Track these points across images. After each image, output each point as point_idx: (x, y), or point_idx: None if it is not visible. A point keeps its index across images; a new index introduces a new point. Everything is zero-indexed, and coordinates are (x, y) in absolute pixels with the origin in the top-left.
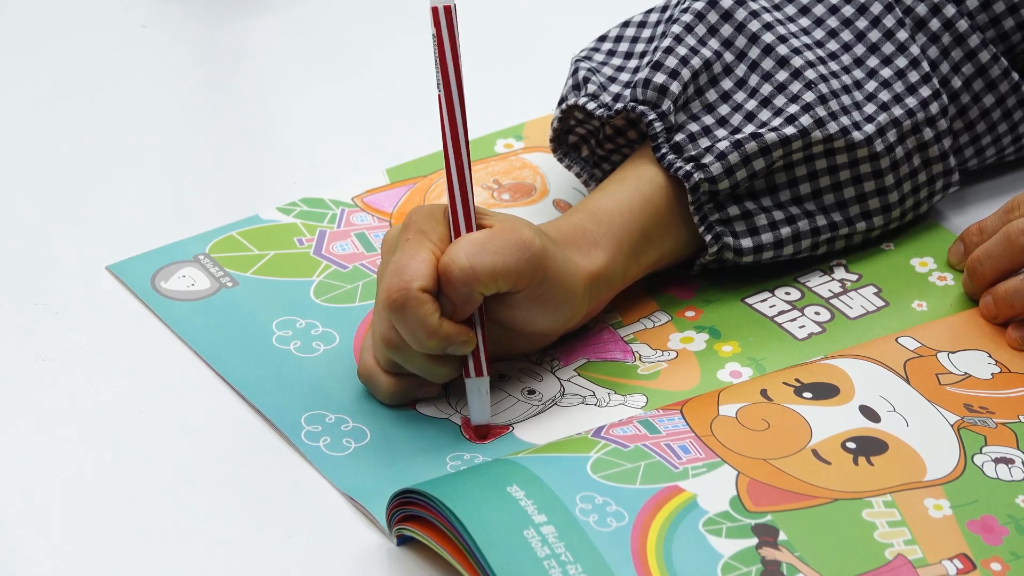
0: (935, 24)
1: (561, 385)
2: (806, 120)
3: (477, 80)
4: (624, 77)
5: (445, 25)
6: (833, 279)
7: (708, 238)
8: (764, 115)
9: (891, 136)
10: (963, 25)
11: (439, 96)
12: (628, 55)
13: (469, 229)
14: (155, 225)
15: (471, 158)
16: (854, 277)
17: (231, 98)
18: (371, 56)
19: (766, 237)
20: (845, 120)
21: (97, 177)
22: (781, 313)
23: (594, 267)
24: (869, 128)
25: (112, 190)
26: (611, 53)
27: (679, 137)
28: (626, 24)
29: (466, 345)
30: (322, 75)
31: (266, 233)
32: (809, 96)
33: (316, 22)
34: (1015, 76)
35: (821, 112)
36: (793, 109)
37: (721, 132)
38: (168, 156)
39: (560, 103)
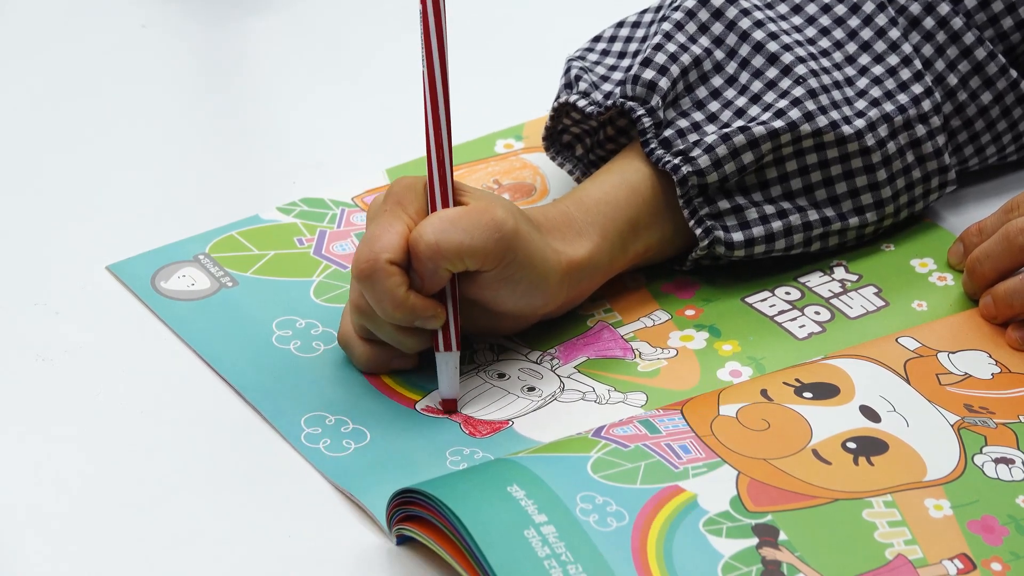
0: (929, 22)
1: (561, 382)
2: (795, 114)
3: (477, 80)
4: (617, 76)
5: None
6: (833, 279)
7: (698, 232)
8: (754, 111)
9: (882, 131)
10: (958, 23)
11: (422, 72)
12: (622, 54)
13: (445, 204)
14: (155, 225)
15: (472, 158)
16: (854, 277)
17: (231, 98)
18: (371, 56)
19: (757, 231)
20: (835, 114)
21: (97, 177)
22: (781, 313)
23: (577, 255)
24: (859, 123)
25: (112, 190)
26: (605, 53)
27: (668, 133)
28: (620, 24)
29: (434, 319)
30: (322, 75)
31: (266, 233)
32: (799, 91)
33: (316, 22)
34: (1013, 73)
35: (811, 106)
36: (782, 104)
37: (711, 128)
38: (168, 156)
39: (554, 102)
